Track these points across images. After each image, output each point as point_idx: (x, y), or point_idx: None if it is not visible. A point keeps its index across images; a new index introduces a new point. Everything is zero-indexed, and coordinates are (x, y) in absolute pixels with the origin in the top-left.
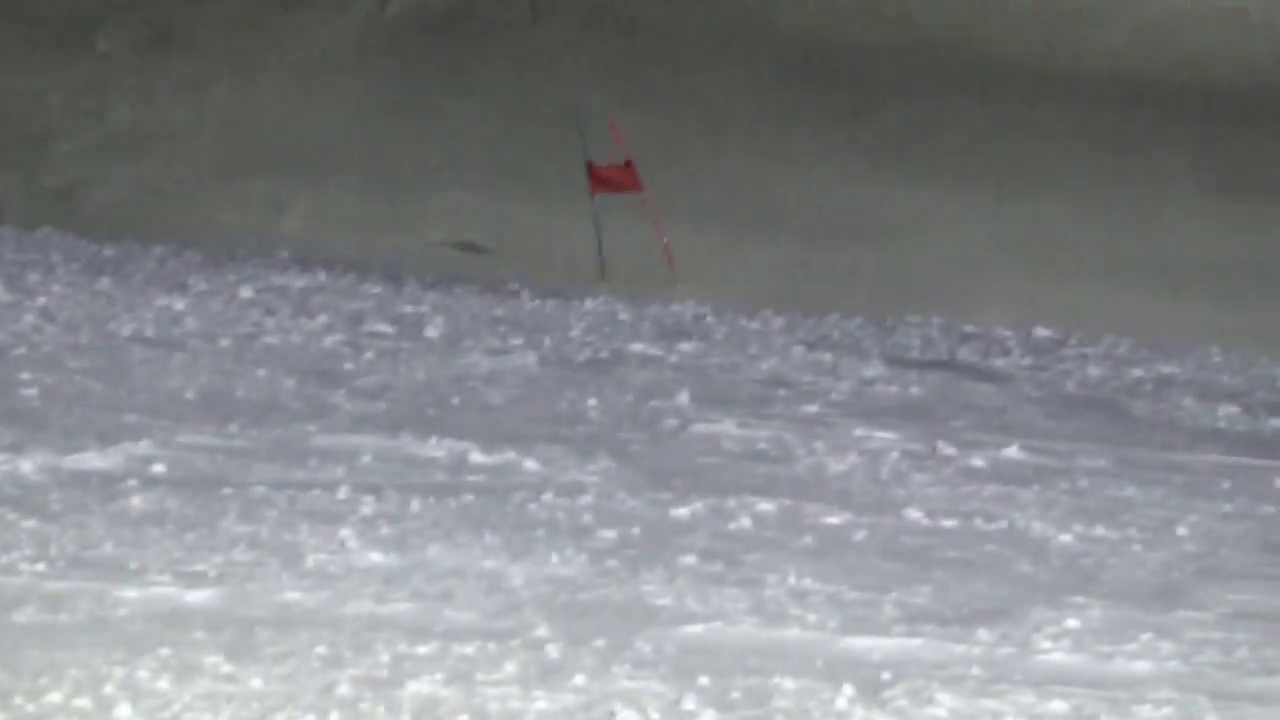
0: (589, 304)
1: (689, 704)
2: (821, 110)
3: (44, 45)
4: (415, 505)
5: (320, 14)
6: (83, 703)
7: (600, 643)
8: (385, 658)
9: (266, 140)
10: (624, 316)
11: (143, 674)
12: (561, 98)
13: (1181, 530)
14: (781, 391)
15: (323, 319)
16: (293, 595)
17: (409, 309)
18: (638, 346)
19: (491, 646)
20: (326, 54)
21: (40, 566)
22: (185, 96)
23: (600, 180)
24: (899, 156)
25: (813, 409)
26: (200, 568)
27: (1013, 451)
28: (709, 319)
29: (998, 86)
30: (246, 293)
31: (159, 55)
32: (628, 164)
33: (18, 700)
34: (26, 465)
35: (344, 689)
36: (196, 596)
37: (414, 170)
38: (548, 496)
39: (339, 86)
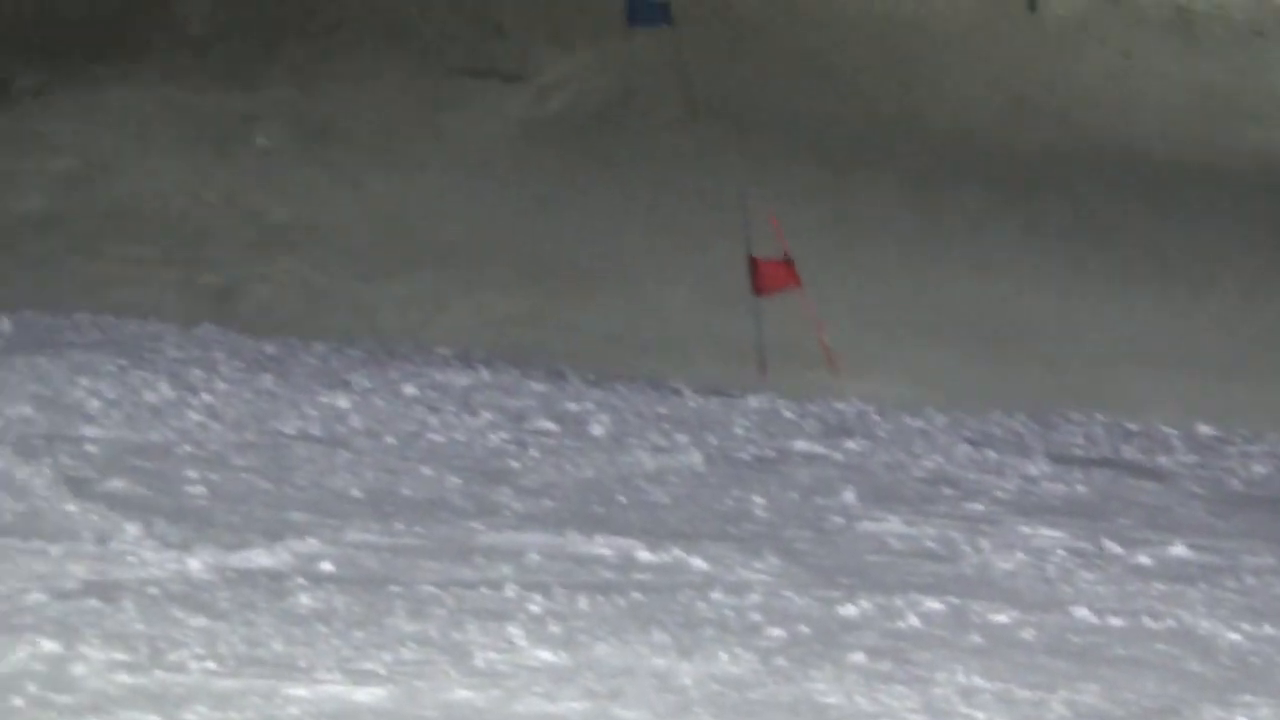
0: (753, 401)
1: None
2: (979, 209)
3: (203, 142)
4: (583, 603)
5: (479, 110)
6: None
7: None
8: None
9: (425, 236)
10: (788, 414)
11: None
12: (720, 193)
13: None
14: (946, 489)
15: (486, 416)
16: (463, 694)
17: (573, 406)
18: (802, 444)
19: None
20: (485, 150)
21: (209, 665)
22: (344, 193)
23: (762, 278)
24: (1058, 255)
25: (978, 507)
26: (369, 666)
27: (1178, 549)
28: (873, 417)
29: (1157, 183)
30: (410, 390)
31: (318, 151)
32: (787, 260)
33: None
34: (194, 563)
35: None
36: (366, 695)
37: (572, 267)
38: (715, 594)
39: (497, 182)
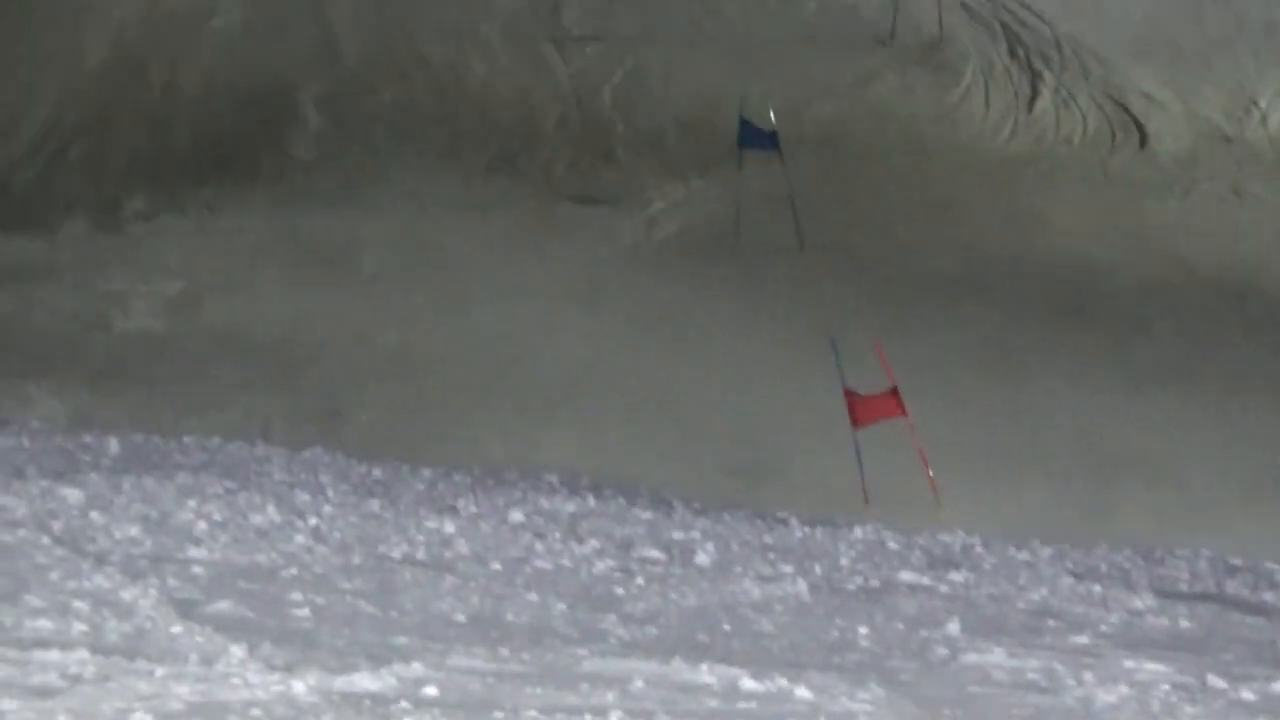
0: (858, 532)
1: None
2: (1084, 341)
3: (311, 266)
4: None
5: (588, 236)
6: None
7: None
8: None
9: (532, 362)
10: (893, 545)
11: None
12: (827, 324)
13: None
14: (1051, 622)
15: (593, 544)
16: None
17: (679, 535)
18: (907, 575)
19: None
20: (593, 276)
21: None
22: (450, 318)
23: (860, 409)
24: (1162, 388)
25: (1082, 640)
26: None
27: None
28: (977, 549)
29: (1267, 319)
30: (516, 516)
31: (424, 276)
32: (892, 390)
33: None
34: (299, 686)
35: None
36: None
37: (678, 395)
38: None
39: (604, 308)
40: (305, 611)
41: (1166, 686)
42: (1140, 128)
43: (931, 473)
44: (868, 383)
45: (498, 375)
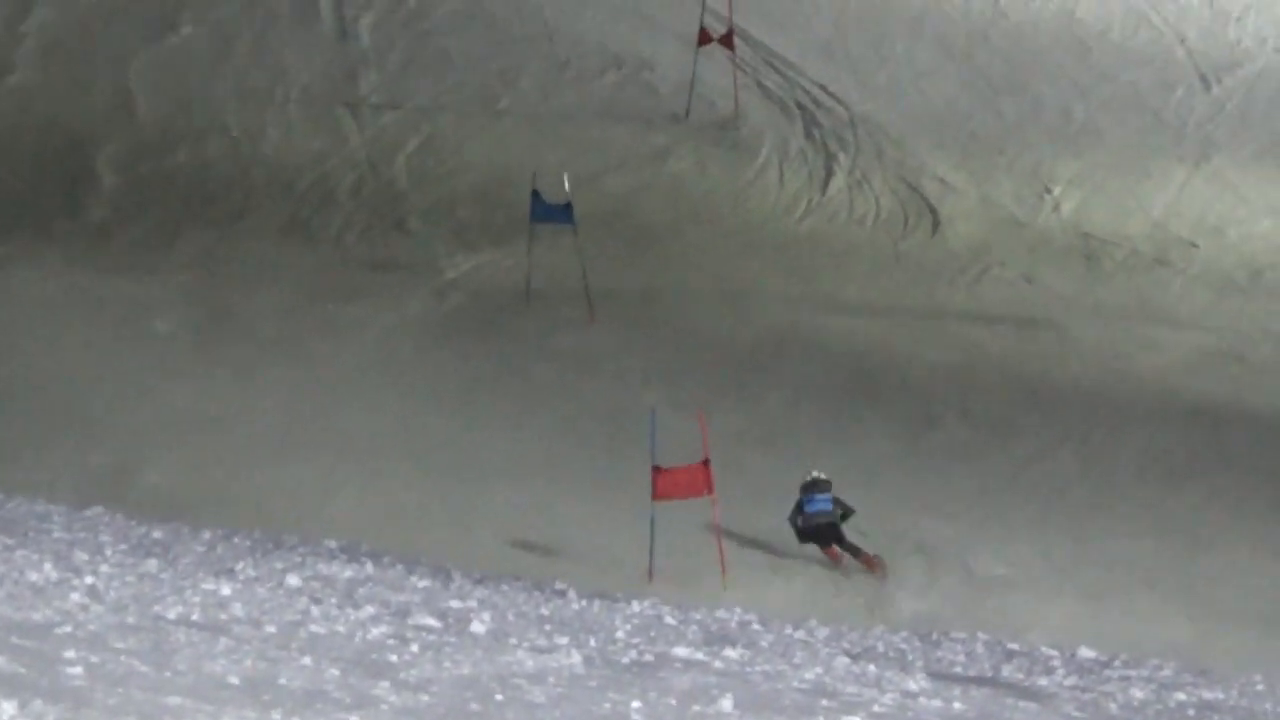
0: (635, 606)
1: None
2: (872, 424)
3: (102, 326)
4: None
5: (378, 304)
6: None
7: None
8: None
9: (318, 428)
10: (670, 620)
11: None
12: (617, 399)
13: None
14: (824, 701)
15: (369, 610)
16: None
17: (456, 604)
18: (682, 651)
19: None
20: (382, 345)
21: None
22: (239, 381)
23: (665, 484)
24: (949, 472)
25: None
26: None
27: None
28: (755, 626)
29: (1050, 403)
30: (294, 581)
31: (216, 339)
32: (704, 463)
33: None
34: None
35: None
36: None
37: (466, 465)
38: None
39: (394, 377)
40: (79, 669)
41: None
42: (934, 212)
43: (722, 550)
44: (669, 460)
45: (284, 439)
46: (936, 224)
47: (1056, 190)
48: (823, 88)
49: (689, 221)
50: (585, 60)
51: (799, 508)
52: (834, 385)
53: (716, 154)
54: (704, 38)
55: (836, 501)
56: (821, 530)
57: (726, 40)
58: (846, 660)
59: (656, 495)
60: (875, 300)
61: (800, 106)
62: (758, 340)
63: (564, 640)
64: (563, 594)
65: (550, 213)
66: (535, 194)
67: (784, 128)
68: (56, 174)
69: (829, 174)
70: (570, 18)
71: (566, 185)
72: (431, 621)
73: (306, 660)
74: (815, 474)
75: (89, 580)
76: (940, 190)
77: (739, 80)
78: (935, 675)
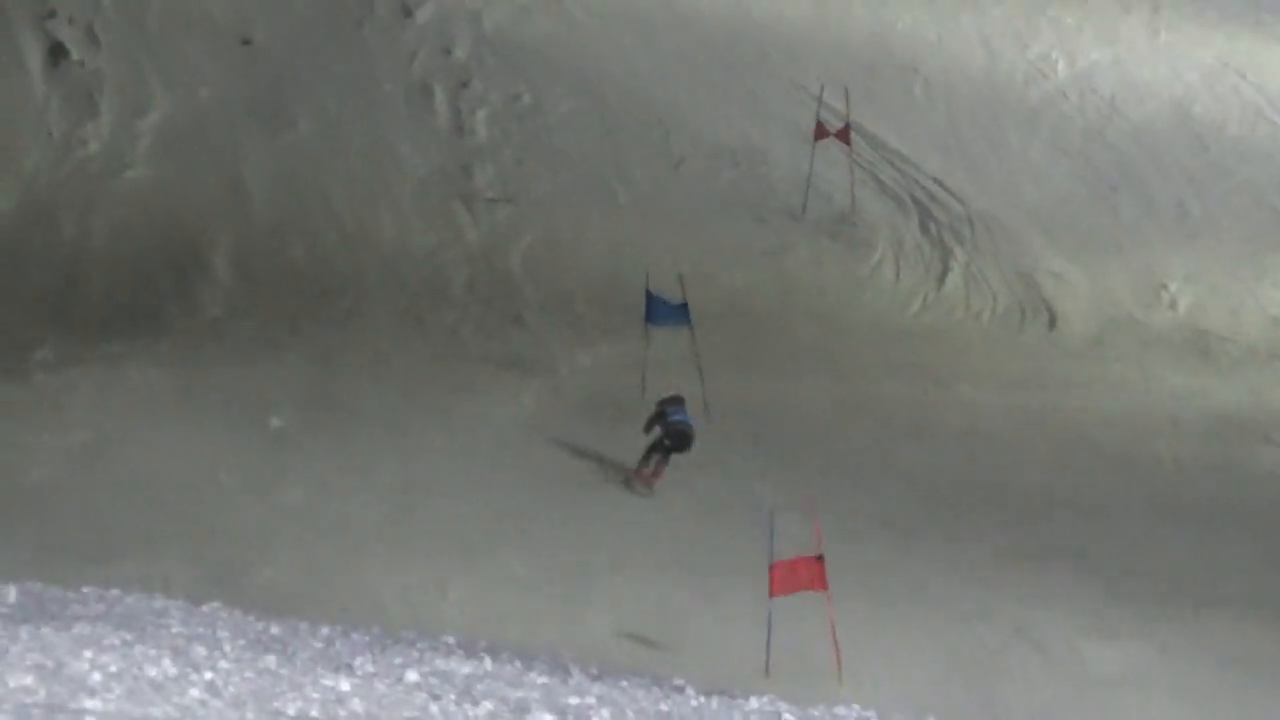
0: (754, 703)
1: None
2: (993, 517)
3: (217, 421)
4: None
5: (492, 399)
6: None
7: None
8: None
9: (432, 523)
10: (789, 717)
11: None
12: (731, 493)
13: None
14: None
15: (487, 706)
16: None
17: (575, 700)
18: None
19: None
20: (497, 439)
21: None
22: (353, 476)
23: (782, 580)
24: (1061, 566)
25: None
26: None
27: None
28: None
29: (1163, 500)
30: (412, 676)
31: (330, 433)
32: (818, 558)
33: None
34: None
35: None
36: None
37: (580, 558)
38: None
39: (508, 471)
40: None
41: None
42: (1049, 307)
43: (837, 645)
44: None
45: (399, 533)
46: (1052, 319)
47: (1172, 286)
48: (939, 182)
49: (804, 317)
50: (701, 155)
51: (661, 417)
52: (947, 478)
53: (832, 249)
54: (820, 132)
55: None
56: (682, 439)
57: (843, 135)
58: None
59: (774, 592)
60: (989, 394)
61: (916, 201)
62: (871, 434)
63: None
64: (680, 690)
65: (667, 313)
66: (650, 294)
67: (900, 223)
68: (171, 268)
69: (945, 269)
70: (686, 113)
71: (682, 286)
72: (550, 718)
73: None
74: (675, 392)
75: (208, 676)
76: (1056, 286)
77: (855, 175)
78: None
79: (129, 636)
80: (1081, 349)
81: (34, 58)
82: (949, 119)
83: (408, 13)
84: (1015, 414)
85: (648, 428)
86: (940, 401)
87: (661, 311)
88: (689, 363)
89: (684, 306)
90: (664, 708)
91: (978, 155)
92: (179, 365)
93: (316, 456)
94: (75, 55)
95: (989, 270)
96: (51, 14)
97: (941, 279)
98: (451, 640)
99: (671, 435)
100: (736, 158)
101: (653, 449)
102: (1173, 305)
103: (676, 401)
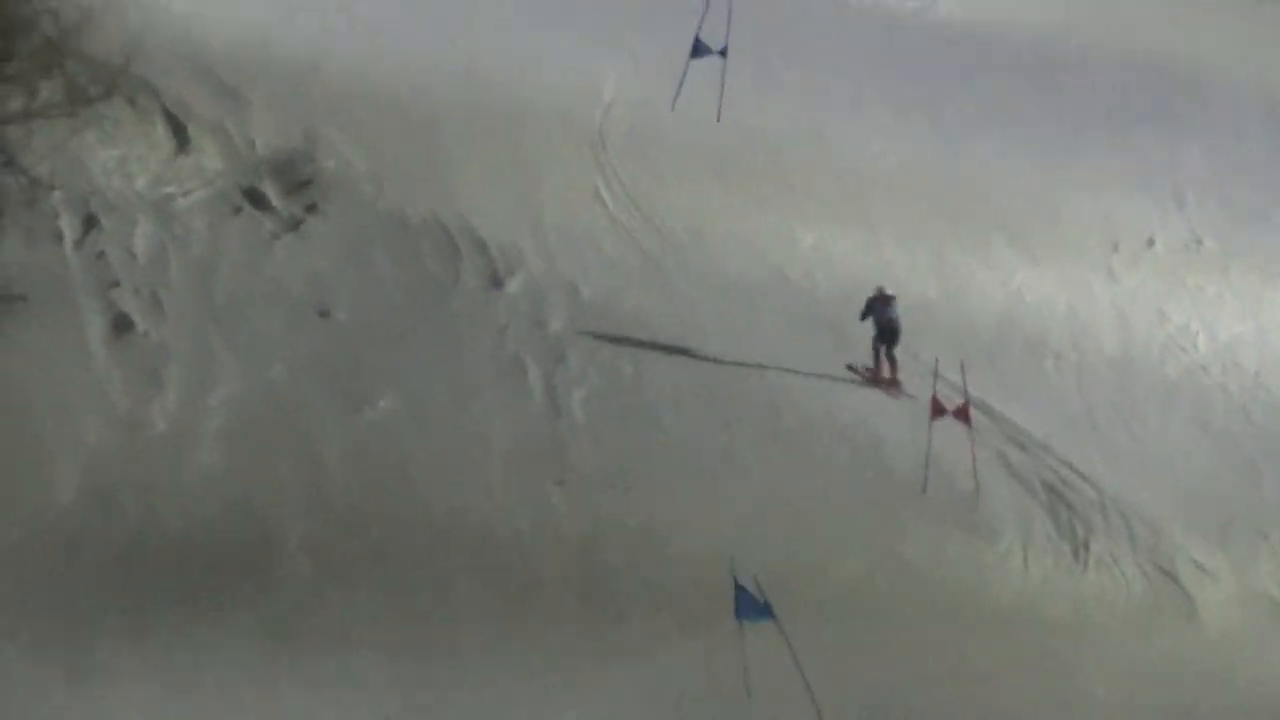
0: None
1: None
2: None
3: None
4: None
5: (591, 694)
6: None
7: None
8: None
9: None
10: None
11: None
12: None
13: None
14: None
15: None
16: None
17: None
18: None
19: None
20: None
21: None
22: None
23: None
24: None
25: None
26: None
27: None
28: None
29: None
30: None
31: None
32: None
33: None
34: None
35: None
36: None
37: None
38: None
39: None
40: None
41: None
42: (1189, 598)
43: None
44: None
45: None
46: (1192, 611)
47: None
48: (1070, 465)
49: (924, 611)
50: (813, 436)
51: (872, 309)
52: None
53: (955, 535)
54: (937, 409)
55: None
56: (893, 332)
57: (962, 412)
58: None
59: None
60: (1126, 695)
61: (1045, 484)
62: None
63: None
64: None
65: (752, 609)
66: (738, 586)
67: (1028, 507)
68: (242, 558)
69: (1077, 557)
70: (798, 391)
71: (759, 588)
72: None
73: None
74: (886, 290)
75: None
76: (1196, 575)
77: (980, 456)
78: None
79: None
80: (1224, 643)
81: (95, 328)
82: (1081, 396)
83: (498, 283)
84: (1150, 713)
85: (862, 316)
86: (1072, 703)
87: (749, 609)
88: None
89: (767, 606)
90: None
91: (1112, 435)
92: (253, 660)
93: None
94: (140, 326)
95: (1124, 558)
96: (115, 282)
97: (1074, 568)
98: None
99: (882, 330)
100: (852, 437)
101: (875, 348)
102: None
103: (888, 300)
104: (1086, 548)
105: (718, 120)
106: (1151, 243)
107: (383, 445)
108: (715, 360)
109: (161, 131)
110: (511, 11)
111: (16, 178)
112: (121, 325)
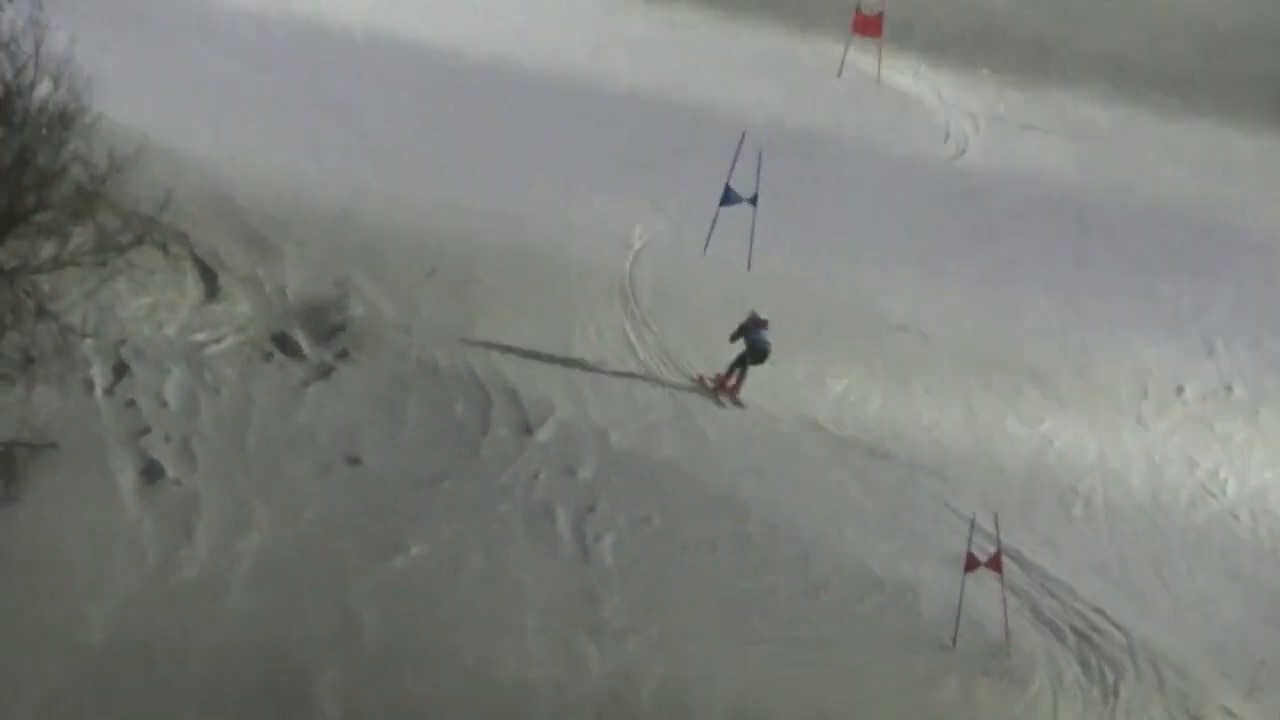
0: None
1: None
2: None
3: None
4: None
5: None
6: None
7: None
8: None
9: None
10: None
11: None
12: None
13: None
14: None
15: None
16: None
17: None
18: None
19: None
20: None
21: None
22: None
23: None
24: None
25: None
26: None
27: None
28: None
29: None
30: None
31: None
32: None
33: None
34: None
35: None
36: None
37: None
38: None
39: None
40: None
41: None
42: None
43: None
44: None
45: None
46: None
47: None
48: (1099, 611)
49: None
50: (844, 582)
51: (746, 331)
52: None
53: (985, 684)
54: (971, 563)
55: None
56: (761, 353)
57: (995, 563)
58: None
59: None
60: None
61: (1075, 632)
62: None
63: None
64: None
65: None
66: None
67: (1057, 655)
68: (273, 703)
69: (1106, 704)
70: (829, 537)
71: None
72: None
73: None
74: (760, 314)
75: None
76: None
77: (1010, 604)
78: None
79: None
80: None
81: (126, 476)
82: (1110, 542)
83: (528, 430)
84: None
85: (733, 338)
86: None
87: None
88: None
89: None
90: None
91: (1141, 581)
92: None
93: None
94: (170, 474)
95: (1154, 706)
96: (146, 430)
97: (1103, 715)
98: None
99: (752, 349)
100: (883, 585)
101: (737, 363)
102: None
103: (762, 324)
104: (1116, 693)
105: (748, 269)
106: (1181, 389)
107: (413, 592)
108: (745, 505)
109: (192, 279)
110: (544, 159)
111: (48, 325)
112: (152, 473)
